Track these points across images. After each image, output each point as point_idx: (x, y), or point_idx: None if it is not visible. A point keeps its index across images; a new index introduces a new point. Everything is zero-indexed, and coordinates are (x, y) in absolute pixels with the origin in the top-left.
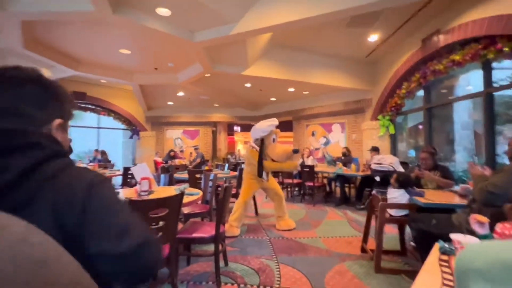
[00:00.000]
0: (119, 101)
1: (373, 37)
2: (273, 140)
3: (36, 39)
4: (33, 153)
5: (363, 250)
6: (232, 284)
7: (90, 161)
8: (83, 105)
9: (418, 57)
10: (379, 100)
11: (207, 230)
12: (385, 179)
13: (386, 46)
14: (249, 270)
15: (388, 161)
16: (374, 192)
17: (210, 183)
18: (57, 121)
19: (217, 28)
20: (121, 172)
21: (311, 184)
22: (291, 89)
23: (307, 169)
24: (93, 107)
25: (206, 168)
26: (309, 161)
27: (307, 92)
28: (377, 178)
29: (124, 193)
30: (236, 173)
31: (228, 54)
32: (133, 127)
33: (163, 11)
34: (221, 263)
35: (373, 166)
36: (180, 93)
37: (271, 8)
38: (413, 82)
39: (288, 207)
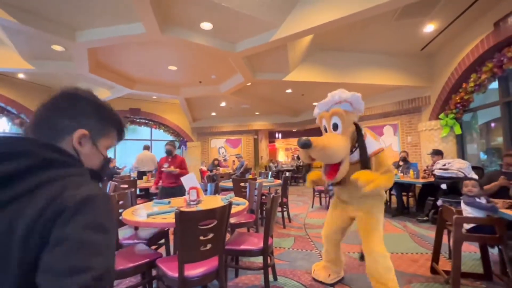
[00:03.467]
0: (168, 114)
1: (430, 27)
2: (325, 129)
3: (99, 63)
4: (16, 161)
5: (434, 271)
6: None
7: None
8: (138, 120)
9: (490, 43)
10: (439, 97)
11: (255, 242)
12: (453, 187)
13: (446, 35)
14: (300, 287)
15: (456, 166)
16: (440, 202)
17: (255, 192)
18: (80, 131)
19: (258, 36)
20: None
21: None
22: None
23: None
24: (147, 121)
25: (250, 176)
26: None
27: None
28: (443, 186)
29: (174, 202)
30: (280, 181)
31: (269, 61)
32: (180, 138)
33: (206, 25)
34: (270, 277)
35: (438, 172)
36: (223, 104)
37: (312, 9)
38: (485, 73)
39: None
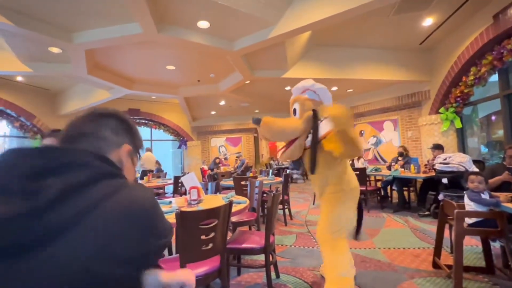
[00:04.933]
0: (167, 114)
1: (429, 21)
2: (294, 112)
3: (97, 64)
4: (76, 173)
5: (436, 265)
6: None
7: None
8: (137, 120)
9: (489, 36)
10: (439, 91)
11: (256, 241)
12: (455, 181)
13: (445, 28)
14: (302, 284)
15: (457, 160)
16: (441, 196)
17: (256, 190)
18: (127, 146)
19: (255, 34)
20: (172, 181)
21: (363, 188)
22: (334, 88)
23: (358, 172)
24: (146, 121)
25: (251, 174)
26: (359, 164)
27: (351, 90)
28: (444, 181)
29: (176, 202)
30: (281, 179)
31: (267, 58)
32: (181, 138)
33: (203, 24)
34: (272, 275)
35: (439, 167)
36: (222, 102)
37: (309, 5)
38: (484, 66)
39: None
